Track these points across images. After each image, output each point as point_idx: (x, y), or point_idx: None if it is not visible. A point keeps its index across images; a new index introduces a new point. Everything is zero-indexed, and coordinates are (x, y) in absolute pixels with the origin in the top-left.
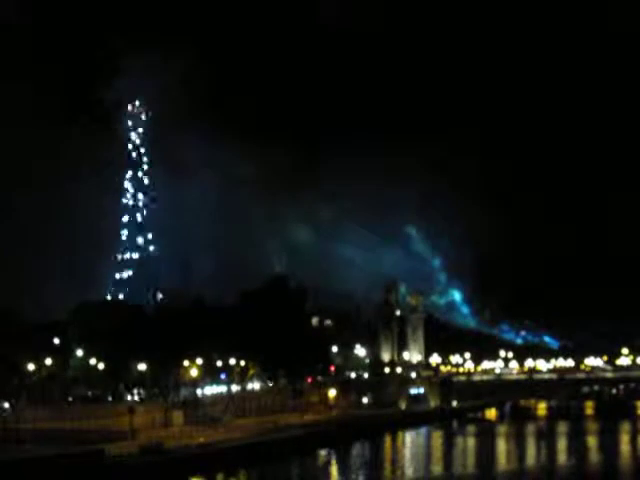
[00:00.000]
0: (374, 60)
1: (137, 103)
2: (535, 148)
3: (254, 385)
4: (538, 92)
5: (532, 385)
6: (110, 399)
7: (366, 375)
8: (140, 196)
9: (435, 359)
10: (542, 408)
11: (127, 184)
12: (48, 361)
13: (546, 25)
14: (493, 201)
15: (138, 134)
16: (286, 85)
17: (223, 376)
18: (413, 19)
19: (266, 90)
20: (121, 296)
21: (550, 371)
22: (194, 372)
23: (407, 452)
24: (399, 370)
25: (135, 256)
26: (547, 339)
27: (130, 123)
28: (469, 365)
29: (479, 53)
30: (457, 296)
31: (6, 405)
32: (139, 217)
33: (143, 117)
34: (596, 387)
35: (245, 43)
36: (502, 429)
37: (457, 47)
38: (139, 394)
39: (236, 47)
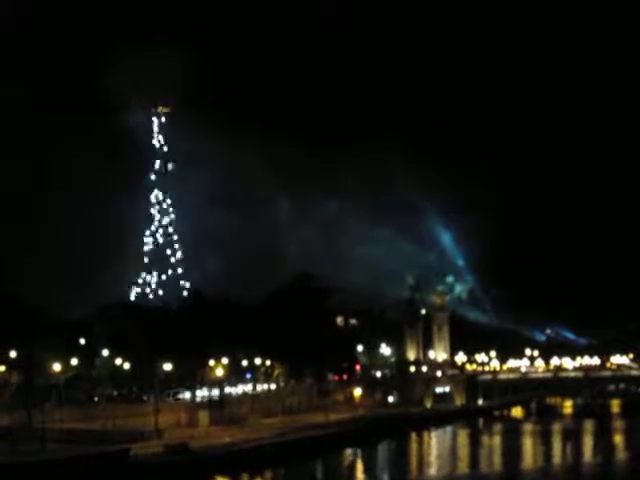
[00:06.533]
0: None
1: (157, 107)
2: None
3: (280, 384)
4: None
5: (558, 383)
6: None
7: (391, 374)
8: (161, 196)
9: (460, 357)
10: (568, 406)
11: (149, 184)
12: (74, 361)
13: (547, 27)
14: (514, 193)
15: (155, 135)
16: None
17: (249, 376)
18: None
19: (272, 86)
20: (147, 296)
21: (576, 369)
22: (220, 372)
23: (433, 451)
24: (425, 369)
25: (159, 256)
26: (573, 337)
27: (150, 124)
28: (494, 363)
29: (480, 54)
30: (467, 292)
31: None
32: (162, 218)
33: (155, 118)
34: (622, 385)
35: (248, 40)
36: (528, 427)
37: (457, 47)
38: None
39: (239, 45)
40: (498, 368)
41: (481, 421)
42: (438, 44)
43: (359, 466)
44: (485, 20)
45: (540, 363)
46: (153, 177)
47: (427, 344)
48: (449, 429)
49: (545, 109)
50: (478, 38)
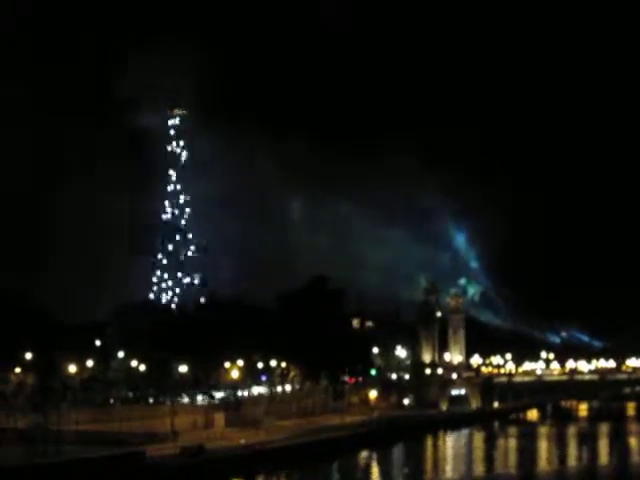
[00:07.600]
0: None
1: (173, 110)
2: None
3: (295, 386)
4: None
5: (573, 386)
6: (151, 401)
7: (407, 376)
8: (175, 197)
9: (476, 360)
10: (583, 409)
11: (163, 185)
12: (89, 363)
13: (546, 27)
14: (524, 195)
15: (169, 136)
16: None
17: (264, 378)
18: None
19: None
20: (161, 298)
21: (591, 372)
22: (235, 374)
23: (448, 453)
24: (440, 371)
25: (174, 257)
26: (588, 340)
27: (167, 126)
28: (510, 366)
29: (481, 54)
30: (481, 294)
31: None
32: (176, 218)
33: (169, 120)
34: (638, 388)
35: (249, 41)
36: (543, 430)
37: (457, 46)
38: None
39: (241, 46)
40: (514, 371)
41: (497, 424)
42: (438, 44)
43: (374, 468)
44: (485, 20)
45: (556, 366)
46: (167, 178)
47: (442, 346)
48: (465, 432)
49: (551, 109)
50: (478, 38)
